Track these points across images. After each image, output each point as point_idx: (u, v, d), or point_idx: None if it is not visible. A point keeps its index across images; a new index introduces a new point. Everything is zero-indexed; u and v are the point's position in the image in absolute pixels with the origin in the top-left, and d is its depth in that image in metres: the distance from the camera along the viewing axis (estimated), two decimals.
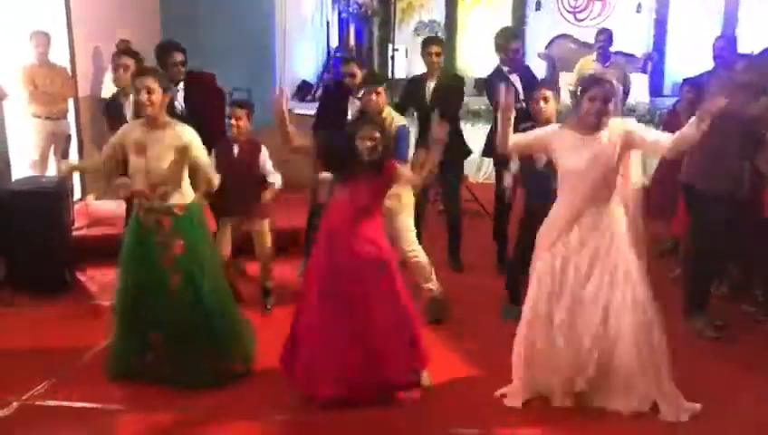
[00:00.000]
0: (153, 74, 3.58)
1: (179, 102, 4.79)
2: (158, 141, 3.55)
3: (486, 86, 5.51)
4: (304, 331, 3.53)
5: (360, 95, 4.82)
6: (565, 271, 3.43)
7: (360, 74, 5.02)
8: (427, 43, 5.34)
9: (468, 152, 5.64)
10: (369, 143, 3.42)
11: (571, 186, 3.42)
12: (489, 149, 5.50)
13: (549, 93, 4.32)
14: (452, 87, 5.37)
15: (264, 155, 4.49)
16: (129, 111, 4.61)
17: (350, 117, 4.95)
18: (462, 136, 5.51)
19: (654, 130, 3.44)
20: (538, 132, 3.62)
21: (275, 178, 4.49)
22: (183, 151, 3.54)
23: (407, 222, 4.48)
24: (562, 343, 3.42)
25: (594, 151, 3.34)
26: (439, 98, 5.21)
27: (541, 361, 3.49)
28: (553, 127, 3.59)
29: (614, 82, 3.38)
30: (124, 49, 5.26)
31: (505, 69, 5.31)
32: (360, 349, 3.43)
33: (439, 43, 5.44)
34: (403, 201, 4.42)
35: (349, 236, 3.43)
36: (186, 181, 3.67)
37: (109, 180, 3.74)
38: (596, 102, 3.33)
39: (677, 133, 3.30)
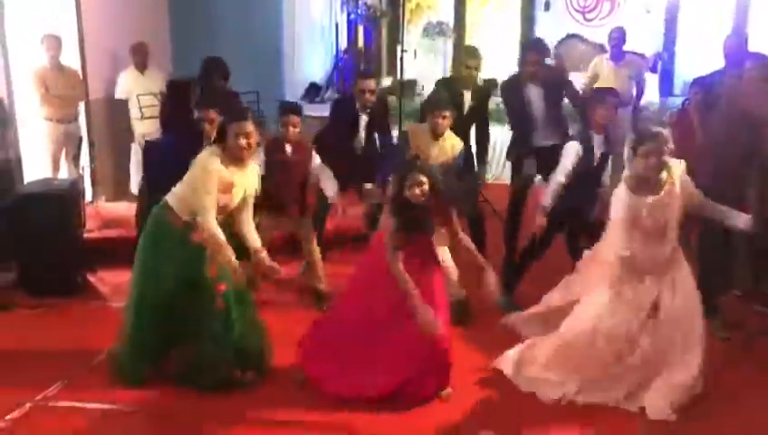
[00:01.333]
0: (252, 118, 3.55)
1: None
2: (243, 178, 3.59)
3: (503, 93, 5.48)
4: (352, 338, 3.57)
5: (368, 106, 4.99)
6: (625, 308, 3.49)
7: (373, 90, 5.06)
8: (466, 56, 5.40)
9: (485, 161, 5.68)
10: (417, 190, 3.41)
11: (632, 238, 3.46)
12: (509, 153, 5.49)
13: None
14: (487, 92, 5.51)
15: (316, 158, 4.58)
16: None
17: (361, 131, 5.08)
18: (488, 141, 5.56)
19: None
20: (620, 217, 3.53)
21: (331, 189, 4.57)
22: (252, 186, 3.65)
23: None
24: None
25: (658, 209, 3.40)
26: (477, 105, 5.29)
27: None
28: (627, 201, 3.50)
29: (666, 132, 3.46)
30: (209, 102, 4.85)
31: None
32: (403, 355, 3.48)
33: (478, 56, 5.37)
34: None
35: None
36: None
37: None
38: (651, 158, 3.34)
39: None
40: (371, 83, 5.11)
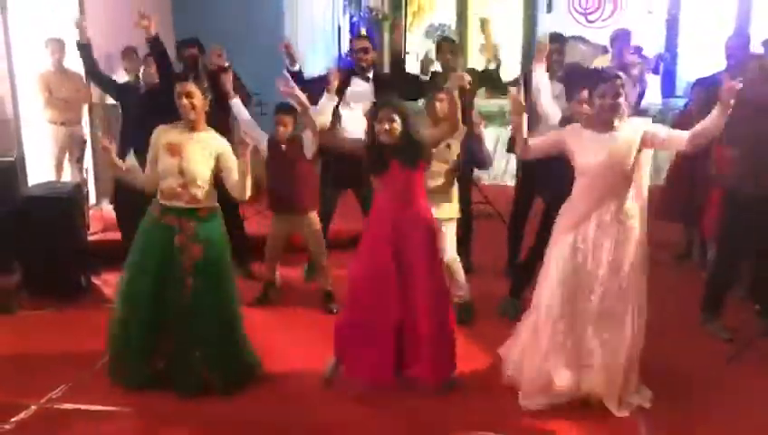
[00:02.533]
0: (193, 79, 3.62)
1: None
2: (196, 143, 3.59)
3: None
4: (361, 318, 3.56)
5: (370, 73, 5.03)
6: (581, 264, 3.44)
7: (372, 50, 5.12)
8: (440, 45, 5.34)
9: None
10: (386, 126, 3.38)
11: (588, 182, 3.44)
12: (511, 146, 5.44)
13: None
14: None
15: (307, 136, 4.57)
16: None
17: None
18: None
19: (669, 128, 3.50)
20: (554, 133, 3.65)
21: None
22: (218, 158, 3.60)
23: (450, 231, 4.45)
24: (569, 337, 3.46)
25: (611, 149, 3.36)
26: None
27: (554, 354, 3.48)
28: (571, 126, 3.60)
29: (623, 76, 3.42)
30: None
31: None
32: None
33: (452, 43, 5.41)
34: (450, 210, 4.41)
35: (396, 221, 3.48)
36: (212, 186, 3.66)
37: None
38: (607, 99, 3.35)
39: (700, 125, 3.34)
40: (364, 42, 5.13)
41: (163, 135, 3.65)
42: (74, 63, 6.46)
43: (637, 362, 3.49)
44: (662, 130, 3.43)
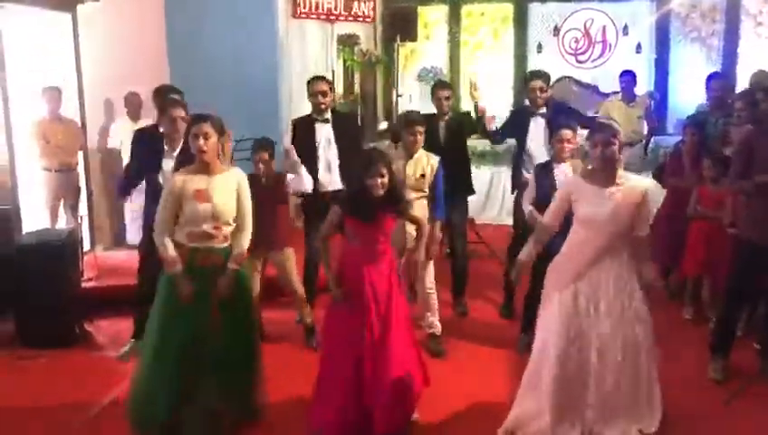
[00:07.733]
0: (209, 119, 3.54)
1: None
2: (223, 185, 3.56)
3: (510, 119, 5.58)
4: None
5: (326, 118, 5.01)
6: (581, 311, 3.44)
7: (330, 93, 5.09)
8: (436, 88, 5.37)
9: (472, 191, 5.63)
10: (379, 180, 3.46)
11: (586, 235, 3.46)
12: (513, 186, 5.51)
13: (569, 133, 4.33)
14: (462, 122, 5.40)
15: (286, 179, 4.74)
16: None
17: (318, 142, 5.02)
18: (469, 173, 5.52)
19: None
20: (559, 194, 3.63)
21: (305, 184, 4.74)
22: (239, 193, 3.61)
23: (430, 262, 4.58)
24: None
25: (612, 207, 3.39)
26: (452, 136, 5.26)
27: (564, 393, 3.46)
28: (571, 178, 3.62)
29: (616, 127, 3.45)
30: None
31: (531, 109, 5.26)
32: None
33: (448, 87, 5.44)
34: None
35: (368, 274, 3.52)
36: None
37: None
38: (597, 147, 3.39)
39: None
40: (323, 85, 5.05)
41: (190, 182, 3.54)
42: (69, 110, 6.52)
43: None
44: (647, 214, 3.49)
